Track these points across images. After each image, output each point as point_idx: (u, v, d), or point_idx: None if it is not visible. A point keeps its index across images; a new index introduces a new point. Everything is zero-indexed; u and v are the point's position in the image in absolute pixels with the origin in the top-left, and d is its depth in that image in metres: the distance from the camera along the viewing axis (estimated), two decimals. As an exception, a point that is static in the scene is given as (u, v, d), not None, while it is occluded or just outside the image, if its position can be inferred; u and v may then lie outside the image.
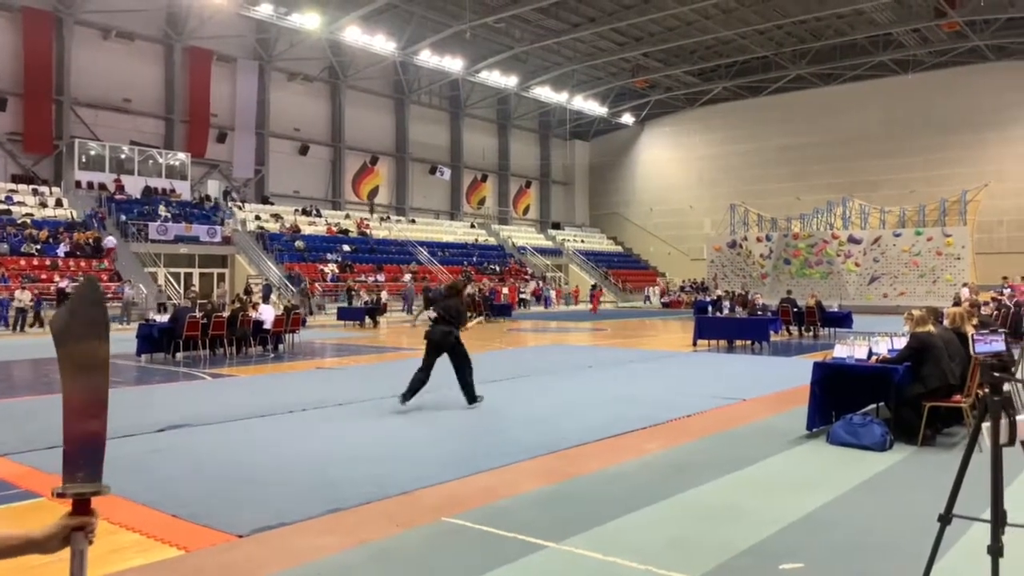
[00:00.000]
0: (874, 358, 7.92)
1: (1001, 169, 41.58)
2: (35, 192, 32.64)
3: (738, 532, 4.78)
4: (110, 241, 31.01)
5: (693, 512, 5.27)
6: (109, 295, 27.95)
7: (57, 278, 27.46)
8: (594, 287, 41.98)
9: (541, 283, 44.50)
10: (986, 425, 2.90)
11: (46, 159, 34.27)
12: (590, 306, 38.43)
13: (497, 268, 44.81)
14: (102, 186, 34.66)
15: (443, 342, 9.37)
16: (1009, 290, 25.67)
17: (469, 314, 10.40)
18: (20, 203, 31.41)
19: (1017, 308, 18.12)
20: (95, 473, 1.61)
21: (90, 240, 30.74)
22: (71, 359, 1.59)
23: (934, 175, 43.38)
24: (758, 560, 4.33)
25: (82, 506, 1.59)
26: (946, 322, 8.34)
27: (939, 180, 42.33)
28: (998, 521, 2.89)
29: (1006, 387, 2.98)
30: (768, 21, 39.80)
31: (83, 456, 1.60)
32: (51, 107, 33.58)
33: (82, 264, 29.36)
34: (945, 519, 3.12)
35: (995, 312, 16.36)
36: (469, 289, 34.69)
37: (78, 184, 34.08)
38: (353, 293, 32.53)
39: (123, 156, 35.80)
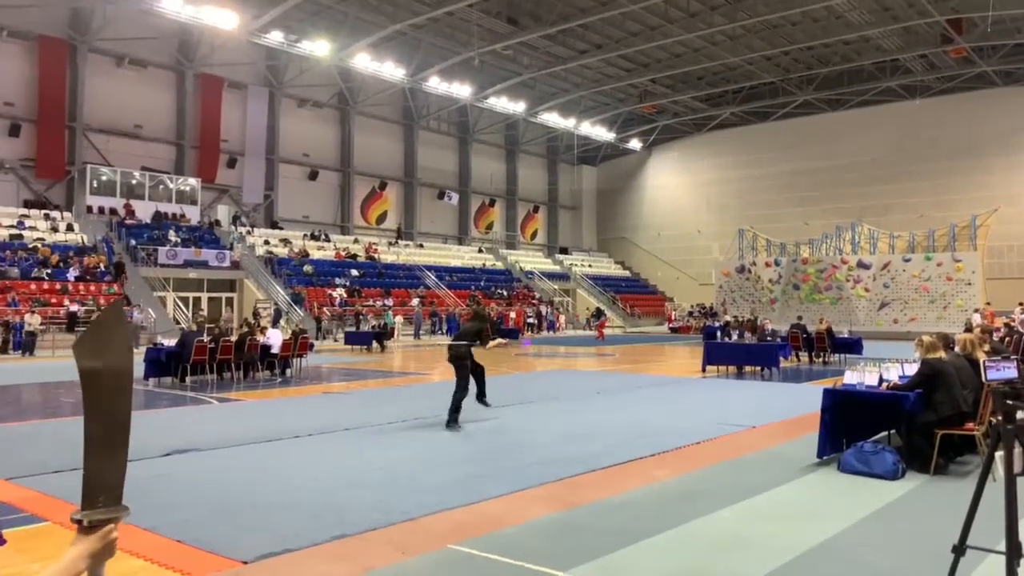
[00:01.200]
0: (885, 385, 7.84)
1: (1010, 194, 41.50)
2: (47, 217, 32.93)
3: (747, 562, 4.71)
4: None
5: (702, 541, 5.20)
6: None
7: (67, 302, 27.62)
8: (597, 315, 41.69)
9: (548, 308, 44.47)
10: (999, 454, 2.86)
11: (58, 184, 34.63)
12: (596, 333, 38.16)
13: (505, 293, 44.82)
14: (113, 211, 34.96)
15: (455, 356, 10.06)
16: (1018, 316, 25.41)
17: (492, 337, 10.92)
18: (32, 228, 31.67)
19: (1029, 334, 17.94)
20: (116, 497, 1.61)
21: (99, 264, 30.94)
22: (94, 384, 1.59)
23: (943, 200, 43.33)
24: (769, 591, 4.26)
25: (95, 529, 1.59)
26: (957, 348, 8.27)
27: (948, 205, 42.29)
28: (1013, 553, 2.84)
29: (1020, 415, 2.94)
30: (775, 47, 40.05)
31: (105, 481, 1.59)
32: (64, 133, 33.99)
33: (92, 288, 29.51)
34: (959, 550, 3.07)
35: (1007, 338, 16.22)
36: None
37: (89, 209, 34.37)
38: (361, 317, 32.59)
39: (134, 181, 36.13)
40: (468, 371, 10.00)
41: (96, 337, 1.62)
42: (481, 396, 10.49)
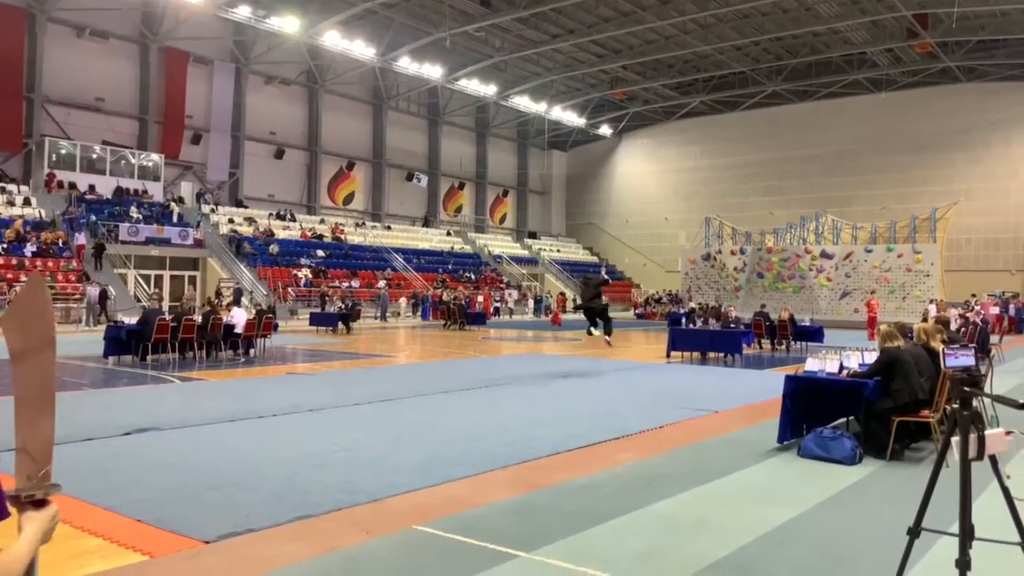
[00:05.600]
0: (845, 372, 7.99)
1: (969, 188, 42.37)
2: (2, 190, 32.06)
3: (708, 544, 4.78)
4: (79, 238, 30.57)
5: (663, 524, 5.27)
6: (77, 295, 27.55)
7: (23, 278, 27.02)
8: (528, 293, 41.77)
9: (517, 291, 44.57)
10: (955, 439, 2.93)
11: (15, 157, 33.72)
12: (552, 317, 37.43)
13: (473, 276, 44.76)
14: (72, 185, 34.15)
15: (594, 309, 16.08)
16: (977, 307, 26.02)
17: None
18: (-13, 201, 30.84)
19: (984, 325, 18.42)
20: (47, 473, 1.63)
21: (58, 240, 30.27)
22: (20, 362, 1.61)
23: (905, 192, 44.11)
24: (727, 572, 4.33)
25: (36, 505, 1.61)
26: (913, 338, 8.44)
27: (910, 197, 43.05)
28: (966, 535, 2.91)
29: (974, 402, 3.01)
30: (745, 37, 40.30)
31: (36, 453, 1.62)
32: (21, 104, 33.06)
33: (49, 264, 28.88)
34: (914, 532, 3.14)
35: (963, 328, 16.62)
36: (445, 296, 34.69)
37: (47, 183, 33.51)
38: (327, 299, 32.32)
39: (94, 156, 35.33)
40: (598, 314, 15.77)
41: (21, 310, 1.64)
42: (608, 330, 16.03)
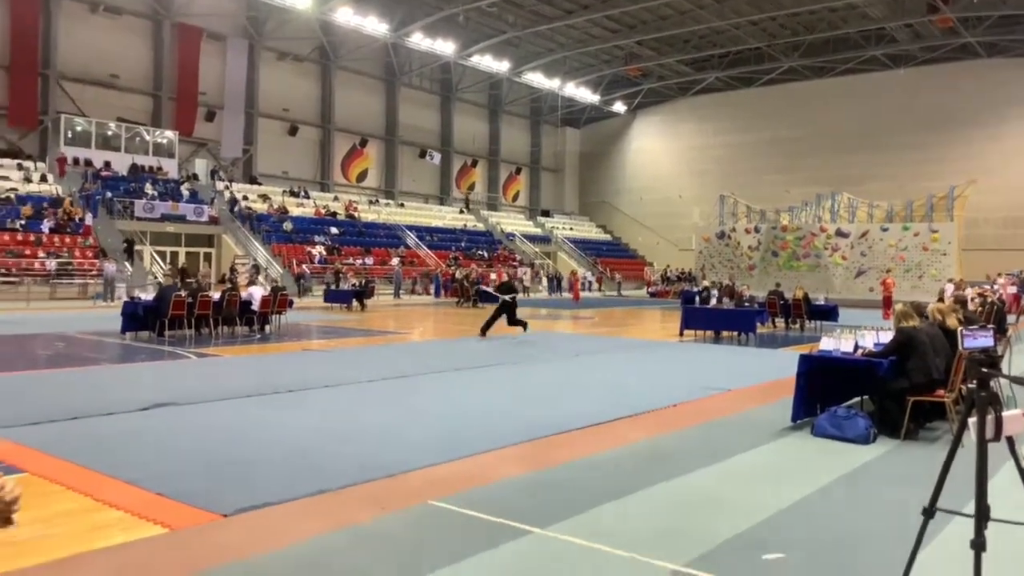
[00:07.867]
0: (860, 351, 7.95)
1: (988, 166, 41.82)
2: (20, 167, 32.26)
3: (721, 522, 4.80)
4: (89, 219, 30.77)
5: (676, 501, 5.29)
6: (94, 272, 27.78)
7: (41, 254, 27.24)
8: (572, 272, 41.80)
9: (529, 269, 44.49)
10: (972, 420, 2.91)
11: (31, 134, 33.87)
12: (571, 294, 37.86)
13: (485, 254, 44.75)
14: (88, 162, 34.30)
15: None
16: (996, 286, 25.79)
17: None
18: (4, 178, 31.01)
19: (1001, 304, 18.24)
20: None
21: (75, 216, 30.44)
22: None
23: (922, 170, 43.60)
24: (741, 549, 4.35)
25: None
26: (930, 317, 8.38)
27: (927, 175, 42.56)
28: (982, 516, 2.91)
29: (992, 382, 2.99)
30: (762, 12, 39.79)
31: None
32: (36, 81, 33.17)
33: (67, 240, 29.09)
34: (929, 512, 3.14)
35: (979, 309, 16.46)
36: (458, 275, 34.73)
37: (60, 166, 33.64)
38: (341, 276, 32.42)
39: (110, 133, 35.44)
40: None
41: None
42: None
